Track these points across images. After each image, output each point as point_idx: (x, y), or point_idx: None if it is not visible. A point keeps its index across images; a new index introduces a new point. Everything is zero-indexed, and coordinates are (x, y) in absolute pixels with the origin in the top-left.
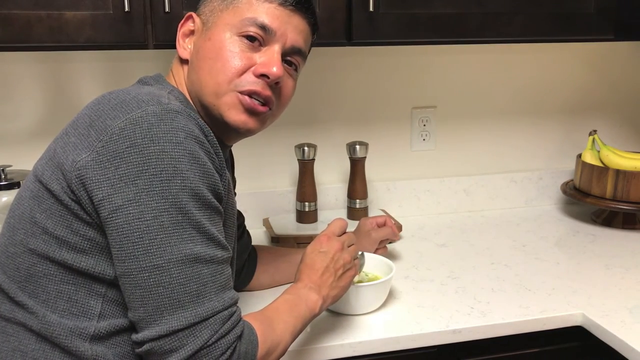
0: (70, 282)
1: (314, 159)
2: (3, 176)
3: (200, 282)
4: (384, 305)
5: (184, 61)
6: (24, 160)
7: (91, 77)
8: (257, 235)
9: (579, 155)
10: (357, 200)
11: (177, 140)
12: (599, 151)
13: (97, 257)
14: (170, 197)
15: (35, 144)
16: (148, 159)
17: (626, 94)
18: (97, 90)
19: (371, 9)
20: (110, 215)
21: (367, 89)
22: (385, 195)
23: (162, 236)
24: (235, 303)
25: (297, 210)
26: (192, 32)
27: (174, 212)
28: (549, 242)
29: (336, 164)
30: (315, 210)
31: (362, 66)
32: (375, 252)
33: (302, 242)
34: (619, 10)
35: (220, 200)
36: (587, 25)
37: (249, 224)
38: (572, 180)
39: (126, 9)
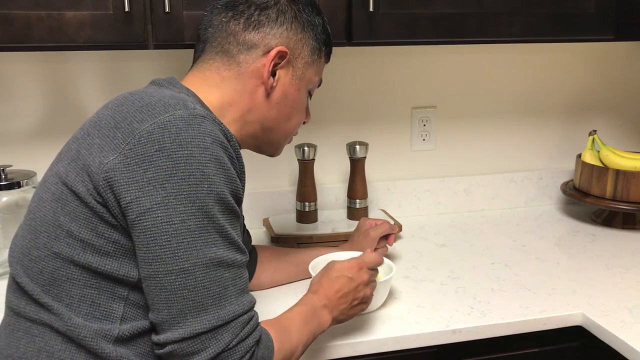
0: (93, 286)
1: (314, 159)
2: (3, 176)
3: (222, 286)
4: (384, 305)
5: (256, 81)
6: (24, 160)
7: (91, 77)
8: (257, 235)
9: (579, 155)
10: (357, 200)
11: (204, 145)
12: (598, 151)
13: (121, 259)
14: (197, 201)
15: (35, 144)
16: (177, 163)
17: (626, 94)
18: (97, 90)
19: (371, 9)
20: (138, 218)
21: (367, 89)
22: (385, 195)
23: (189, 240)
24: (253, 307)
25: (297, 210)
26: (276, 64)
27: (200, 216)
28: (549, 242)
29: (336, 164)
30: (316, 210)
31: (362, 66)
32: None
33: (302, 242)
34: (619, 10)
35: (240, 204)
36: (587, 25)
37: (249, 224)
38: (572, 180)
39: (126, 9)
